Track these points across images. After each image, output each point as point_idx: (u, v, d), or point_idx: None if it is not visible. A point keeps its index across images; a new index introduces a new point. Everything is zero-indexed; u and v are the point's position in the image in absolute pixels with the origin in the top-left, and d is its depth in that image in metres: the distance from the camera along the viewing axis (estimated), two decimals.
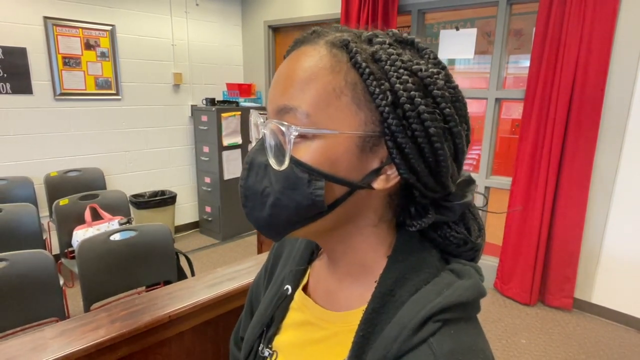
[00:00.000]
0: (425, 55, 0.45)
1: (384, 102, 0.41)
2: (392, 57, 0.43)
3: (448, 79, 0.44)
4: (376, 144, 0.43)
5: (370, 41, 0.45)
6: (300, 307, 0.56)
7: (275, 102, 0.45)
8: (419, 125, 0.42)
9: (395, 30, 0.47)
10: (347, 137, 0.42)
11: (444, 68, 0.45)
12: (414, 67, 0.43)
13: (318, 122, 0.42)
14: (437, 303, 0.41)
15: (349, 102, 0.42)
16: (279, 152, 0.44)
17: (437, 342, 0.40)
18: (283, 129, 0.42)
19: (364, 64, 0.42)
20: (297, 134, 0.42)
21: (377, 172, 0.44)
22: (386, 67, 0.42)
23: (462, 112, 0.45)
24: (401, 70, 0.42)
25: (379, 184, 0.44)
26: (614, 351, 2.40)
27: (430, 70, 0.43)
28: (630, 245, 2.58)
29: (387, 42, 0.44)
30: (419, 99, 0.41)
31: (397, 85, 0.41)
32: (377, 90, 0.41)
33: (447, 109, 0.43)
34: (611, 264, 2.66)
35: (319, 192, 0.42)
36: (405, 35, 0.47)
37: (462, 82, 4.76)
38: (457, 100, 0.44)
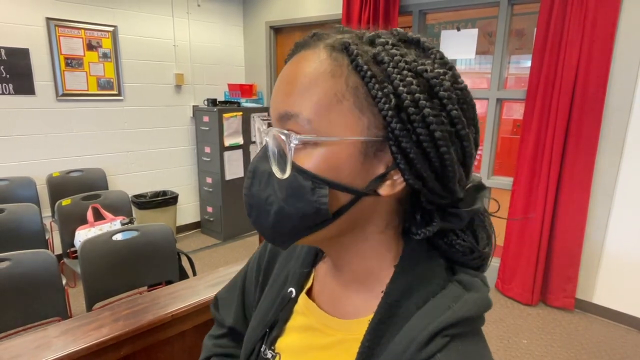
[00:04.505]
0: (432, 55, 0.43)
1: (386, 105, 0.40)
2: (395, 58, 0.41)
3: (455, 79, 0.43)
4: (380, 149, 0.42)
5: (372, 42, 0.43)
6: (304, 311, 0.55)
7: (277, 109, 0.44)
8: (424, 129, 0.40)
9: (400, 30, 0.45)
10: (350, 143, 0.41)
11: (451, 68, 0.43)
12: (418, 67, 0.41)
13: (320, 129, 0.41)
14: (446, 318, 0.41)
15: (351, 106, 0.41)
16: (282, 160, 0.43)
17: (445, 357, 0.40)
18: (283, 137, 0.42)
19: (365, 67, 0.40)
20: (297, 142, 0.41)
21: (382, 178, 0.43)
22: (389, 69, 0.40)
23: (469, 114, 0.43)
24: (405, 72, 0.40)
25: (384, 190, 0.43)
26: (615, 352, 2.40)
27: (436, 70, 0.41)
28: (632, 245, 2.57)
29: (390, 42, 0.43)
30: (424, 102, 0.40)
31: (401, 88, 0.40)
32: (380, 93, 0.40)
33: (454, 111, 0.41)
34: (613, 264, 2.65)
35: (323, 200, 0.41)
36: (410, 34, 0.45)
37: None
38: (464, 102, 0.43)
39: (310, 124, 0.41)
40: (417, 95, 0.40)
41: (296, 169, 0.42)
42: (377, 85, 0.40)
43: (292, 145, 0.41)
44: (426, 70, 0.41)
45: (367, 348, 0.44)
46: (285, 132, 0.42)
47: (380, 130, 0.41)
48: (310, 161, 0.42)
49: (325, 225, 0.44)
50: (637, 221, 2.54)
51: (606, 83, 2.48)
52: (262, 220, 0.46)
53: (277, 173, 0.43)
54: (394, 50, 0.42)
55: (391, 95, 0.40)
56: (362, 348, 0.44)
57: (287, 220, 0.44)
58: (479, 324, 0.44)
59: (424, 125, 0.40)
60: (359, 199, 0.43)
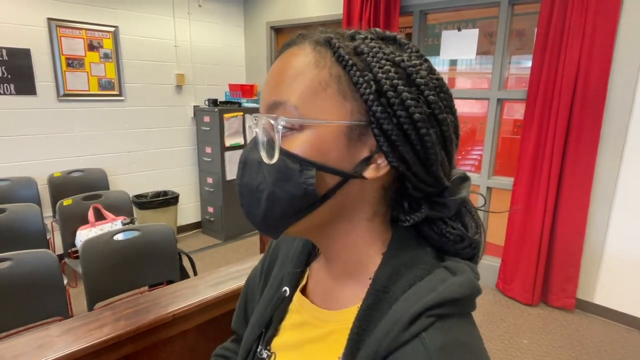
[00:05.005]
0: (408, 49, 0.47)
1: (367, 90, 0.42)
2: (374, 49, 0.44)
3: (431, 70, 0.46)
4: (364, 132, 0.44)
5: (352, 37, 0.46)
6: (298, 308, 0.56)
7: (266, 100, 0.47)
8: (403, 112, 0.42)
9: (378, 29, 0.49)
10: (335, 127, 0.43)
11: (426, 61, 0.46)
12: (396, 58, 0.44)
13: (306, 114, 0.43)
14: (430, 298, 0.41)
15: (335, 93, 0.43)
16: (270, 146, 0.45)
17: (429, 336, 0.40)
18: (272, 121, 0.44)
19: (346, 57, 0.43)
20: (284, 123, 0.44)
21: (367, 161, 0.45)
22: (368, 58, 0.43)
23: (447, 102, 0.46)
24: (383, 61, 0.43)
25: (369, 172, 0.45)
26: (616, 352, 2.40)
27: (413, 61, 0.44)
28: (632, 245, 2.57)
29: (369, 37, 0.46)
30: (402, 87, 0.43)
31: (380, 74, 0.42)
32: (361, 79, 0.43)
33: (432, 96, 0.44)
34: (614, 264, 2.65)
35: (311, 180, 0.43)
36: (387, 32, 0.48)
37: (463, 82, 4.75)
38: (441, 90, 0.45)
39: (297, 110, 0.44)
40: (395, 81, 0.43)
41: (284, 152, 0.44)
42: (358, 73, 0.43)
43: (279, 127, 0.44)
44: (403, 60, 0.44)
45: (356, 334, 0.44)
46: (273, 116, 0.44)
47: (363, 115, 0.44)
48: (297, 145, 0.44)
49: (314, 209, 0.46)
50: (637, 221, 2.54)
51: (607, 83, 2.48)
52: (253, 208, 0.48)
53: (266, 159, 0.45)
54: (372, 44, 0.45)
55: (371, 82, 0.43)
56: (352, 335, 0.45)
57: (277, 205, 0.45)
58: (467, 308, 0.44)
59: (403, 108, 0.43)
60: (345, 181, 0.45)
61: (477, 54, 3.27)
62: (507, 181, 3.07)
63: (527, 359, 2.33)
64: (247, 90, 4.26)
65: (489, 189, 3.17)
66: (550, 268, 2.84)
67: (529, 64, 2.77)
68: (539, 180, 2.77)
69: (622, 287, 2.64)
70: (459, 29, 3.38)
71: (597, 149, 2.57)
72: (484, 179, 3.15)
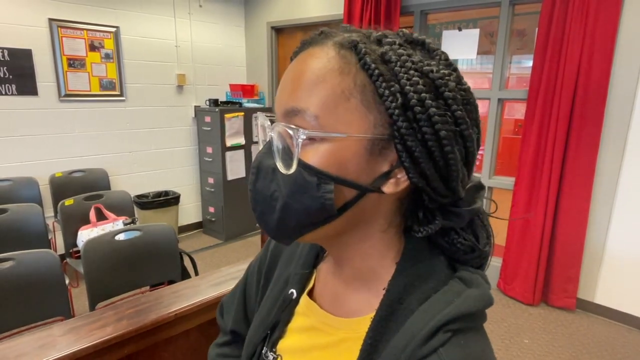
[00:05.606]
0: (437, 57, 0.44)
1: (393, 104, 0.40)
2: (402, 57, 0.41)
3: (459, 80, 0.43)
4: (385, 147, 0.42)
5: (379, 42, 0.44)
6: (305, 311, 0.55)
7: (283, 105, 0.44)
8: (429, 128, 0.40)
9: (405, 31, 0.46)
10: (356, 140, 0.41)
11: (455, 70, 0.44)
12: (424, 68, 0.41)
13: (326, 125, 0.41)
14: (447, 313, 0.41)
15: (358, 104, 0.41)
16: (287, 155, 0.43)
17: (447, 352, 0.40)
18: (291, 132, 0.42)
19: (373, 65, 0.41)
20: (305, 137, 0.41)
21: (386, 176, 0.43)
22: (396, 68, 0.41)
23: (473, 114, 0.44)
24: (411, 72, 0.41)
25: (388, 187, 0.43)
26: (616, 351, 2.40)
27: (442, 71, 0.42)
28: (633, 245, 2.57)
29: (397, 42, 0.43)
30: (430, 101, 0.40)
31: (407, 87, 0.40)
32: (387, 92, 0.40)
33: (459, 112, 0.42)
34: (614, 264, 2.65)
35: (329, 195, 0.42)
36: (416, 35, 0.46)
37: None
38: (468, 102, 0.43)
39: (316, 120, 0.41)
40: (423, 94, 0.40)
41: (302, 164, 0.42)
42: (384, 84, 0.40)
43: (299, 140, 0.41)
44: (432, 71, 0.41)
45: (370, 345, 0.44)
46: (293, 127, 0.42)
47: (386, 129, 0.41)
48: (316, 157, 0.42)
49: (329, 221, 0.44)
50: (638, 221, 2.54)
51: (607, 83, 2.48)
52: (266, 216, 0.46)
53: (282, 169, 0.43)
54: (401, 50, 0.42)
55: (398, 94, 0.40)
56: (365, 345, 0.44)
57: (292, 216, 0.44)
58: (480, 320, 0.44)
59: (429, 125, 0.40)
60: (363, 195, 0.43)
61: (478, 53, 3.27)
62: (508, 181, 3.07)
63: (528, 358, 2.33)
64: (248, 90, 4.27)
65: (489, 189, 3.17)
66: (551, 268, 2.84)
67: (530, 63, 2.77)
68: (540, 180, 2.77)
69: (623, 286, 2.64)
70: (460, 29, 3.38)
71: (597, 148, 2.57)
72: (485, 179, 3.14)
